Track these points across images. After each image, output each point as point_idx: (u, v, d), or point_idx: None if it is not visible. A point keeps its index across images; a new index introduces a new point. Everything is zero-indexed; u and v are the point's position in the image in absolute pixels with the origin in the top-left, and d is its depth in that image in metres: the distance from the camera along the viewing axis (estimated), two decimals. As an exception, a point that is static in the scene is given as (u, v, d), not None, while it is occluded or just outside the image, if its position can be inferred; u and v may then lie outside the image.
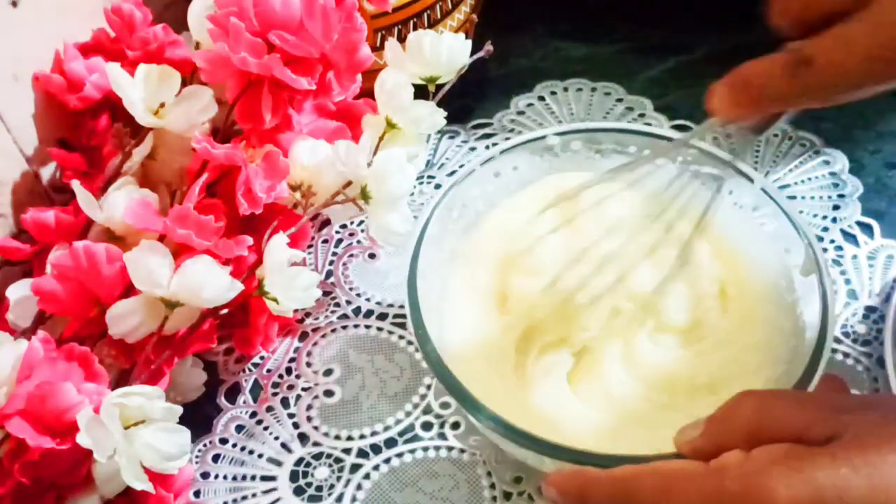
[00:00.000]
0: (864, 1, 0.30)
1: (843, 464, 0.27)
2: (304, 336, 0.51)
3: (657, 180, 0.44)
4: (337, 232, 0.56)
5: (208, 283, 0.41)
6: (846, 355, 0.48)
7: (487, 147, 0.59)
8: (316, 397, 0.48)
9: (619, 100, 0.62)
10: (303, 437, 0.47)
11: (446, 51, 0.49)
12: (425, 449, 0.46)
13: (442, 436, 0.46)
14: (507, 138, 0.50)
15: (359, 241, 0.55)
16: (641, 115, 0.61)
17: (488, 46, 0.51)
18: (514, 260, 0.45)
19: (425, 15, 0.57)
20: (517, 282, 0.44)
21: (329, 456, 0.46)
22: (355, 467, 0.45)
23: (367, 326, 0.51)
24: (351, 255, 0.55)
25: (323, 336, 0.51)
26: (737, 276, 0.45)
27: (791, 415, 0.30)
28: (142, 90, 0.44)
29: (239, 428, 0.47)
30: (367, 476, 0.45)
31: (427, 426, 0.47)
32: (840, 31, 0.31)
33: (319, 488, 0.45)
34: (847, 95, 0.32)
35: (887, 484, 0.27)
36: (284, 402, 0.48)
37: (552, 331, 0.43)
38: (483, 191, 0.48)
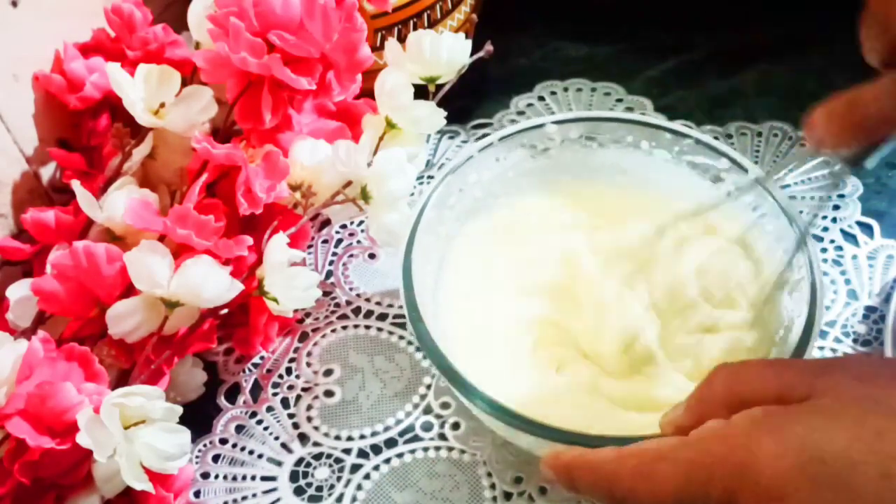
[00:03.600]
0: None
1: (823, 418, 0.28)
2: (304, 336, 0.51)
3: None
4: (337, 232, 0.56)
5: (208, 283, 0.41)
6: (847, 355, 0.48)
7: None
8: (316, 397, 0.48)
9: (619, 100, 0.62)
10: (303, 438, 0.47)
11: (446, 51, 0.49)
12: (425, 449, 0.46)
13: (442, 436, 0.46)
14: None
15: (359, 241, 0.55)
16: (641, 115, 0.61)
17: (488, 46, 0.51)
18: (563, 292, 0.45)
19: (425, 15, 0.57)
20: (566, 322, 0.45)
21: (329, 456, 0.46)
22: (355, 467, 0.45)
23: (367, 326, 0.51)
24: (351, 255, 0.55)
25: (323, 336, 0.51)
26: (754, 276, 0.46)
27: (766, 379, 0.31)
28: (142, 90, 0.44)
29: (239, 428, 0.47)
30: (367, 476, 0.45)
31: (427, 426, 0.47)
32: None
33: (320, 488, 0.45)
34: None
35: (866, 437, 0.27)
36: (284, 403, 0.48)
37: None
38: (479, 178, 0.48)
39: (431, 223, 0.45)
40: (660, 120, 0.51)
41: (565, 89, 0.63)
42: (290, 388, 0.49)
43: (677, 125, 0.48)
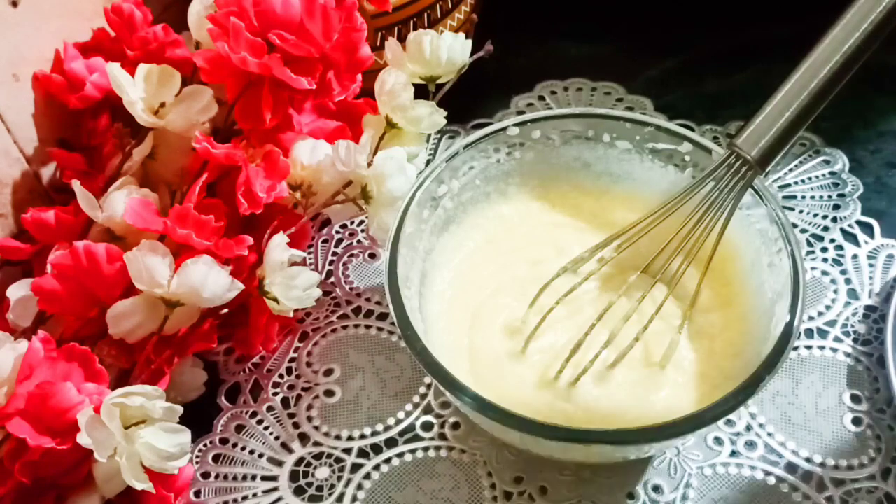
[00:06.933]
0: None
1: None
2: (304, 336, 0.51)
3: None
4: (337, 232, 0.56)
5: (208, 283, 0.41)
6: (847, 355, 0.48)
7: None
8: (316, 397, 0.48)
9: (620, 99, 0.62)
10: (303, 437, 0.47)
11: (446, 50, 0.49)
12: (426, 449, 0.46)
13: (442, 436, 0.46)
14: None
15: (359, 241, 0.55)
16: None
17: (488, 46, 0.51)
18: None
19: (425, 15, 0.57)
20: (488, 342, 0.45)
21: (329, 456, 0.46)
22: (356, 467, 0.45)
23: (367, 326, 0.51)
24: (351, 255, 0.55)
25: (323, 336, 0.51)
26: (730, 276, 0.46)
27: None
28: (142, 90, 0.44)
29: (239, 428, 0.47)
30: (367, 476, 0.45)
31: (427, 426, 0.47)
32: None
33: (320, 488, 0.45)
34: None
35: None
36: (285, 402, 0.48)
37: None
38: (450, 188, 0.48)
39: (410, 237, 0.44)
40: (618, 111, 0.51)
41: (565, 89, 0.63)
42: (291, 387, 0.49)
43: (635, 114, 0.48)
